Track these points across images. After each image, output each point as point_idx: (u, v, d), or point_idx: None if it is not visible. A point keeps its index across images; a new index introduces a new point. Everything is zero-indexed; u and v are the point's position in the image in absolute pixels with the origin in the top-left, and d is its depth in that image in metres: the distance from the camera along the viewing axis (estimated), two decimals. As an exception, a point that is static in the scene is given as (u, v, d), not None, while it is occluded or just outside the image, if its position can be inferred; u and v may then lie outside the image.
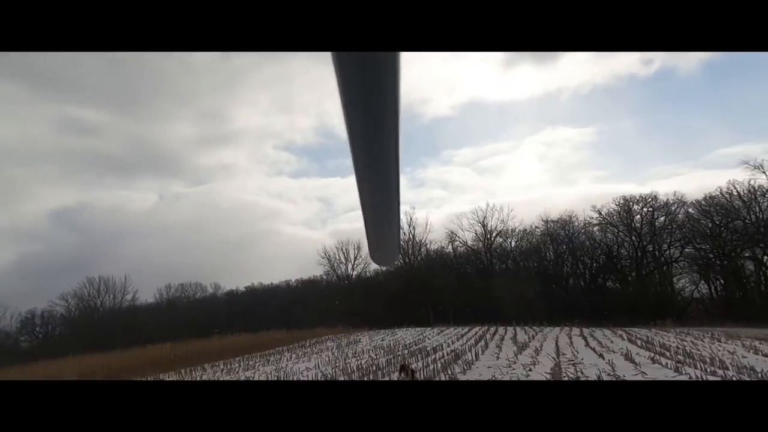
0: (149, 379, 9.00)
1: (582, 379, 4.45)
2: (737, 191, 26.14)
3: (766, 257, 25.21)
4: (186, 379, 8.87)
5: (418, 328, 20.04)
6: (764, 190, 25.19)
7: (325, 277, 40.21)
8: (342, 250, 38.98)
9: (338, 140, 52.30)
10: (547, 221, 32.08)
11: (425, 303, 29.43)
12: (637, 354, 7.27)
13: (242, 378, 8.13)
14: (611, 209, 29.95)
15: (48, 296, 40.55)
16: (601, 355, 7.69)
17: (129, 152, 56.06)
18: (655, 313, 21.16)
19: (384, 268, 37.85)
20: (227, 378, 8.49)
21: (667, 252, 28.37)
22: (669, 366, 5.93)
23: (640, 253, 28.64)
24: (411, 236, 35.97)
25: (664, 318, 20.15)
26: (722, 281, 26.81)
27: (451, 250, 35.79)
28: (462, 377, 5.99)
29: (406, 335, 16.61)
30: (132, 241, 53.98)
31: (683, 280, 28.42)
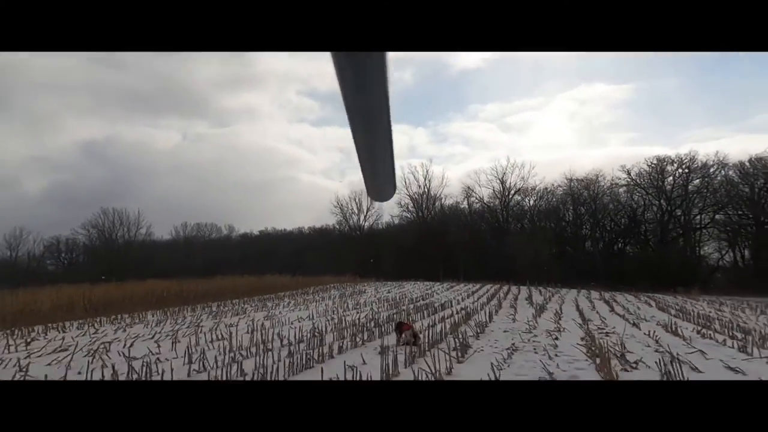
0: (126, 317, 8.31)
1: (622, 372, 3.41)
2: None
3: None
4: (168, 318, 8.17)
5: (427, 283, 19.32)
6: None
7: (337, 226, 39.62)
8: (355, 200, 38.05)
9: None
10: (571, 179, 30.17)
11: (436, 258, 28.65)
12: (679, 326, 6.13)
13: (226, 321, 7.33)
14: (642, 170, 27.83)
15: (73, 225, 41.79)
16: (635, 324, 6.62)
17: (156, 90, 55.56)
18: (677, 280, 19.86)
19: (388, 220, 37.00)
20: (208, 320, 7.70)
21: (698, 217, 26.49)
22: (728, 343, 4.80)
23: (666, 218, 26.84)
24: (426, 189, 34.55)
25: (687, 285, 18.89)
26: (752, 250, 25.09)
27: (467, 206, 34.39)
28: (476, 342, 4.96)
29: (414, 289, 15.88)
30: (154, 178, 54.78)
31: (707, 248, 26.86)
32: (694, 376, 2.96)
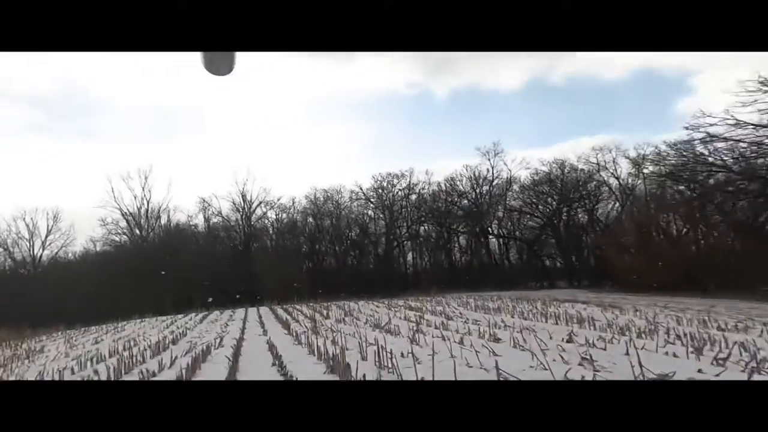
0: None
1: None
2: (468, 174, 32.77)
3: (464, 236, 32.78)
4: None
5: (149, 319, 15.59)
6: (483, 175, 32.47)
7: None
8: (24, 219, 27.22)
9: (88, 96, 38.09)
10: (315, 191, 32.00)
11: (161, 286, 24.05)
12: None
13: None
14: (371, 185, 32.58)
15: None
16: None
17: None
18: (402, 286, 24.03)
19: (85, 246, 28.94)
20: None
21: (412, 227, 33.02)
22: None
23: (389, 230, 32.23)
24: (146, 201, 28.71)
25: (405, 291, 22.99)
26: (443, 256, 33.45)
27: (204, 221, 30.71)
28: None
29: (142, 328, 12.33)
30: None
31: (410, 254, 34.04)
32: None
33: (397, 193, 32.74)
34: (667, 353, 4.24)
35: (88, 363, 6.78)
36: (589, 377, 3.22)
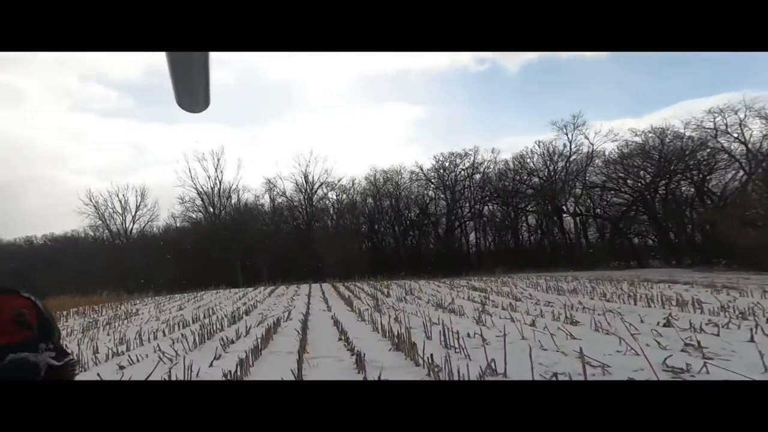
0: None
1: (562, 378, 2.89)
2: (540, 150, 31.15)
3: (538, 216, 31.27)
4: None
5: (231, 290, 16.86)
6: (560, 151, 30.77)
7: (91, 232, 31.03)
8: (117, 196, 30.41)
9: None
10: (375, 171, 32.27)
11: (233, 261, 25.79)
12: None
13: None
14: (432, 165, 32.14)
15: None
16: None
17: None
18: (462, 265, 23.64)
19: (168, 221, 31.63)
20: None
21: (475, 207, 32.23)
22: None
23: (451, 209, 31.70)
24: (218, 181, 30.69)
25: (468, 271, 22.60)
26: (510, 236, 32.36)
27: (269, 201, 32.28)
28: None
29: (218, 300, 13.43)
30: None
31: (473, 234, 33.28)
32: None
33: (460, 173, 31.95)
34: None
35: (176, 327, 7.48)
36: (696, 366, 2.86)
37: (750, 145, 24.42)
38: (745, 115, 24.63)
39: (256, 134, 48.31)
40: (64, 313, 13.08)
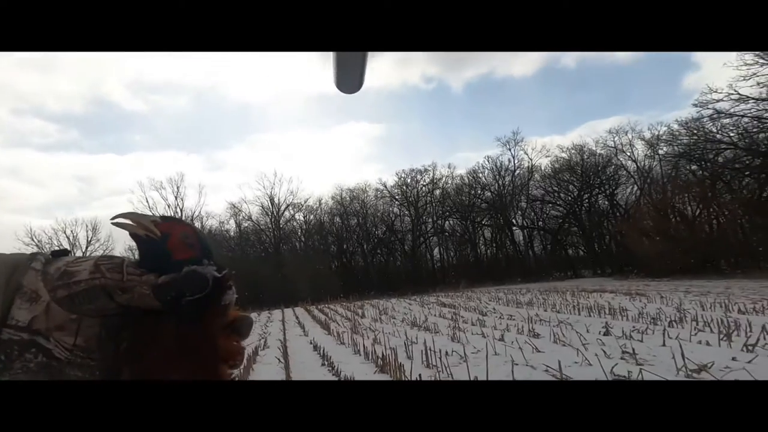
0: None
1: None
2: (489, 165, 32.64)
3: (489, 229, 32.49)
4: None
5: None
6: (505, 166, 32.36)
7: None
8: (65, 232, 28.21)
9: (118, 110, 40.85)
10: (341, 189, 32.50)
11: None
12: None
13: None
14: (395, 182, 32.85)
15: None
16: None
17: None
18: (430, 282, 24.12)
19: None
20: None
21: (437, 223, 33.05)
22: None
23: (415, 225, 32.32)
24: (179, 209, 29.70)
25: (434, 287, 23.15)
26: (469, 249, 33.31)
27: (234, 225, 31.62)
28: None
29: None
30: None
31: (437, 250, 34.11)
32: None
33: (422, 188, 32.83)
34: (699, 342, 4.41)
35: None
36: (634, 371, 3.35)
37: (638, 163, 27.44)
38: (631, 137, 27.88)
39: (216, 158, 47.24)
40: None
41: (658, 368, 3.50)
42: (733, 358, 3.62)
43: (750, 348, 3.86)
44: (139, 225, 0.51)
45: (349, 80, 0.53)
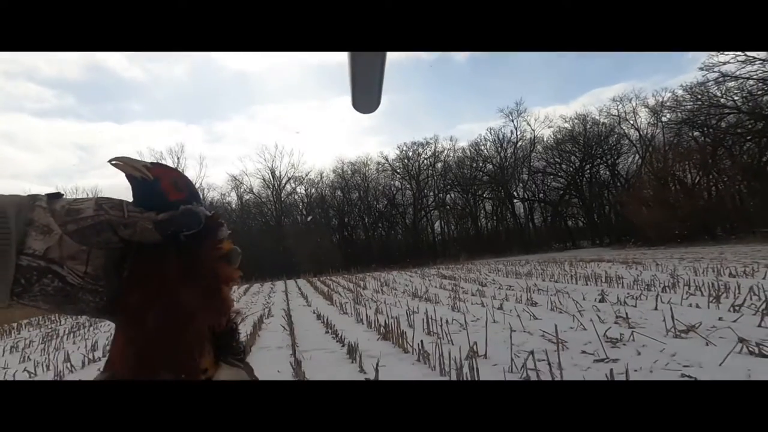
0: None
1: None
2: (492, 137, 32.38)
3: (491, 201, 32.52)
4: None
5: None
6: (508, 137, 32.13)
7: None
8: None
9: (115, 78, 39.86)
10: (342, 164, 32.38)
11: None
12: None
13: None
14: (397, 155, 32.64)
15: None
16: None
17: None
18: (431, 254, 24.38)
19: None
20: None
21: (439, 196, 33.09)
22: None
23: (417, 199, 32.37)
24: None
25: (435, 260, 23.43)
26: (470, 223, 33.49)
27: (236, 198, 31.68)
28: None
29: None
30: None
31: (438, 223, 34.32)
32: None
33: (423, 162, 32.68)
34: (690, 305, 4.57)
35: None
36: (626, 335, 3.48)
37: (641, 132, 27.19)
38: (635, 104, 27.48)
39: (216, 130, 46.94)
40: (14, 325, 12.38)
41: (649, 330, 3.64)
42: (720, 318, 3.78)
43: (737, 308, 4.02)
44: (134, 167, 0.55)
45: (366, 100, 0.55)
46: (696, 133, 22.26)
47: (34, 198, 0.50)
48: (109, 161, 0.55)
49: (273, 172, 30.92)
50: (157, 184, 0.58)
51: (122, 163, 0.55)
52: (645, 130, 27.25)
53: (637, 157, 27.66)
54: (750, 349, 2.80)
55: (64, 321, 12.16)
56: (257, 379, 0.65)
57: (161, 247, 0.54)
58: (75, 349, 6.36)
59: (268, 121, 48.35)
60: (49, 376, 4.67)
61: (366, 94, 0.54)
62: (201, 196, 0.66)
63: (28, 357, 6.39)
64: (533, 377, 2.67)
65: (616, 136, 28.34)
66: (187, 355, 0.54)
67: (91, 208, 0.52)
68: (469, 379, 2.57)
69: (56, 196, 0.51)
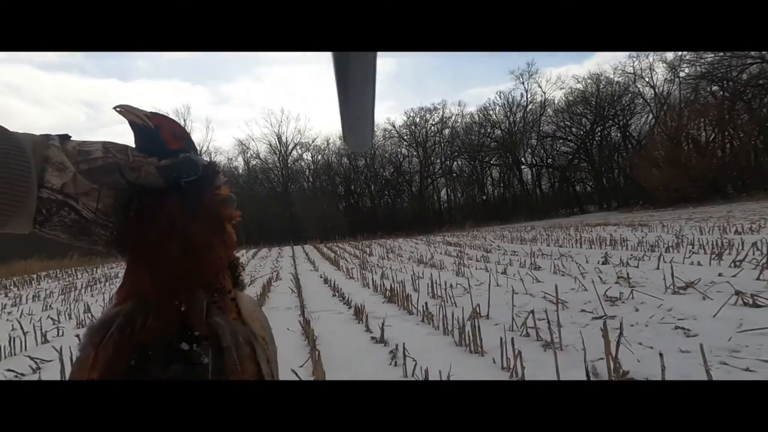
0: None
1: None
2: (501, 101, 31.68)
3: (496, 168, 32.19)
4: None
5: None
6: (517, 101, 31.45)
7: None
8: None
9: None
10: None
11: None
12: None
13: None
14: (404, 121, 32.20)
15: None
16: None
17: None
18: (438, 223, 24.48)
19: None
20: None
21: (445, 164, 32.82)
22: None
23: (423, 166, 32.15)
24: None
25: (441, 227, 23.52)
26: (476, 190, 33.34)
27: (243, 163, 31.68)
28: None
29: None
30: None
31: (444, 191, 34.18)
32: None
33: (430, 128, 32.23)
34: (692, 263, 4.66)
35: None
36: (626, 293, 3.57)
37: (656, 89, 26.36)
38: (652, 59, 26.47)
39: (222, 91, 46.34)
40: (33, 276, 12.76)
41: (648, 288, 3.73)
42: (720, 274, 3.86)
43: (737, 264, 4.09)
44: (136, 115, 0.58)
45: (357, 136, 0.54)
46: (714, 88, 21.61)
47: (47, 137, 0.53)
48: (114, 108, 0.58)
49: (279, 138, 30.78)
50: (158, 132, 0.60)
51: (125, 110, 0.58)
52: (661, 88, 26.44)
53: (651, 116, 27.04)
54: (745, 300, 2.88)
55: (81, 275, 12.60)
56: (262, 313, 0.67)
57: (164, 192, 0.57)
58: (93, 302, 6.63)
59: (275, 83, 47.56)
60: (72, 324, 4.96)
61: (360, 133, 0.54)
62: (198, 149, 0.68)
63: (50, 306, 6.74)
64: (532, 335, 2.78)
65: (630, 95, 27.60)
66: (217, 275, 0.59)
67: (100, 150, 0.55)
68: (470, 340, 2.67)
69: (66, 138, 0.54)
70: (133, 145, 0.60)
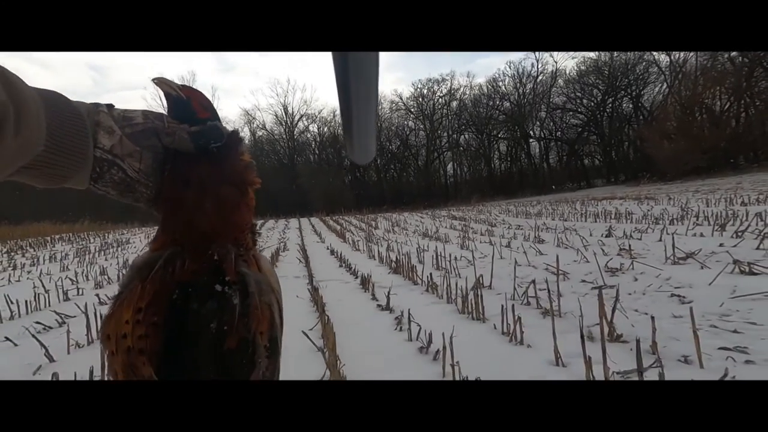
0: None
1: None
2: (511, 72, 30.98)
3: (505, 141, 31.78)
4: None
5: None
6: (528, 71, 30.75)
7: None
8: None
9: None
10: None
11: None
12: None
13: None
14: (411, 93, 31.64)
15: None
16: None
17: None
18: (440, 197, 24.44)
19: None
20: None
21: (452, 137, 32.45)
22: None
23: (430, 140, 31.82)
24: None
25: (447, 202, 23.52)
26: (483, 164, 33.06)
27: (249, 133, 31.59)
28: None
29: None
30: None
31: (450, 165, 33.90)
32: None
33: (438, 100, 31.69)
34: (695, 234, 4.76)
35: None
36: (627, 264, 3.66)
37: (672, 57, 25.54)
38: None
39: (228, 59, 45.54)
40: (47, 239, 13.03)
41: (649, 259, 3.82)
42: (720, 245, 3.93)
43: (739, 234, 4.14)
44: (171, 87, 0.64)
45: (362, 146, 0.56)
46: (733, 53, 20.98)
47: (96, 105, 0.59)
48: (152, 80, 0.65)
49: (285, 108, 30.55)
50: (189, 102, 0.67)
51: (161, 82, 0.65)
52: (677, 55, 25.66)
53: (665, 86, 26.35)
54: (741, 268, 2.96)
55: (93, 239, 12.90)
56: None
57: (195, 156, 0.63)
58: (108, 265, 6.90)
59: (281, 52, 46.55)
60: (90, 285, 5.20)
61: (365, 146, 0.55)
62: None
63: (67, 267, 7.02)
64: (533, 304, 2.89)
65: (644, 63, 26.82)
66: (243, 233, 0.67)
67: (140, 117, 0.62)
68: (473, 308, 2.78)
69: (111, 106, 0.61)
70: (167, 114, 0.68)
